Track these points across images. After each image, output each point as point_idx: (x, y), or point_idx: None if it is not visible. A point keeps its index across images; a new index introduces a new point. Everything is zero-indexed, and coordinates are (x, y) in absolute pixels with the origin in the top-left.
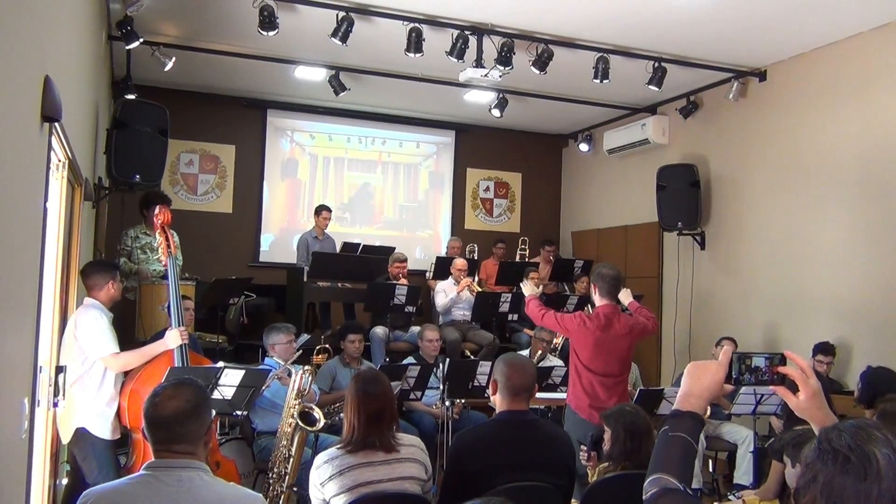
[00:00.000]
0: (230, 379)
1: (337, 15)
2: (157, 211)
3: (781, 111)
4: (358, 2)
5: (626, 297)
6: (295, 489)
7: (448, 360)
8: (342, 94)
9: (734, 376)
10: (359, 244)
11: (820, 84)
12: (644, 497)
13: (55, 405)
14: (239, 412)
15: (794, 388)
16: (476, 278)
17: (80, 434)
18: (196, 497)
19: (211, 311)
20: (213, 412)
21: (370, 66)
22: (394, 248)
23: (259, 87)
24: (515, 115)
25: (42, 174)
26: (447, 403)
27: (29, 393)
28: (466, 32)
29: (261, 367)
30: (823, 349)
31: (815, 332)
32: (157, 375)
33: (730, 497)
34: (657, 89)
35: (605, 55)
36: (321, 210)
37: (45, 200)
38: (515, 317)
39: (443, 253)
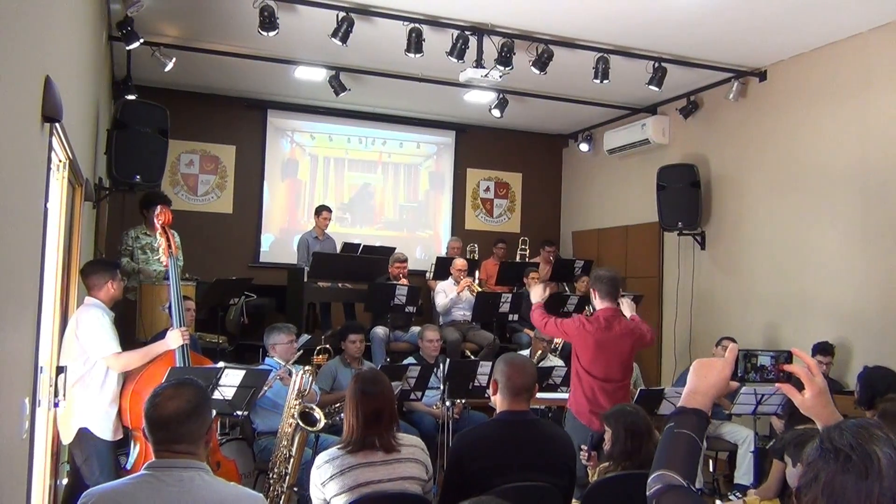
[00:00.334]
0: (230, 379)
1: (337, 15)
2: (158, 211)
3: (781, 111)
4: (358, 2)
5: (627, 309)
6: (295, 489)
7: (448, 360)
8: (342, 94)
9: (739, 374)
10: (359, 244)
11: (820, 84)
12: (648, 493)
13: (56, 405)
14: (239, 412)
15: (799, 387)
16: (476, 278)
17: (83, 434)
18: (197, 497)
19: (211, 311)
20: (214, 412)
21: (370, 67)
22: (394, 249)
23: (259, 87)
24: (515, 115)
25: (42, 174)
26: (447, 404)
27: (30, 393)
28: (466, 33)
29: (261, 367)
30: (822, 349)
31: (815, 333)
32: (159, 376)
33: (731, 497)
34: (657, 89)
35: (605, 55)
36: (321, 210)
37: (46, 201)
38: (516, 317)
39: (443, 253)
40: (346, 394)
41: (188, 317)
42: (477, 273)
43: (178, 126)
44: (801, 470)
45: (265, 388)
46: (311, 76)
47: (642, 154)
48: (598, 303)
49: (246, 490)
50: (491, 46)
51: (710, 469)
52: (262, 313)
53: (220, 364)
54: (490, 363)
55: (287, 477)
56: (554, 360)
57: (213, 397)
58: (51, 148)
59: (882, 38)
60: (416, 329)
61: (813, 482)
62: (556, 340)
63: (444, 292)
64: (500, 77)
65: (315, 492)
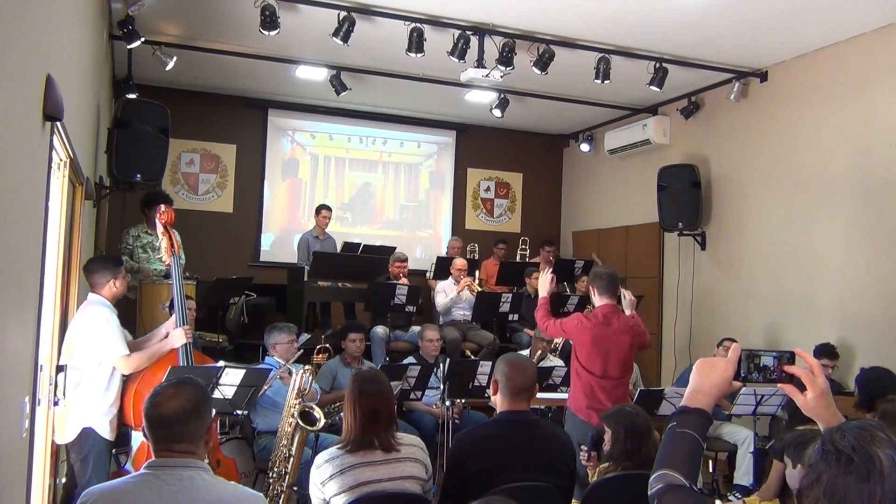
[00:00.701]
0: (231, 378)
1: (338, 15)
2: (162, 209)
3: (783, 112)
4: (359, 1)
5: (628, 306)
6: (295, 488)
7: (448, 359)
8: (343, 93)
9: (742, 375)
10: (359, 244)
11: (821, 85)
12: (649, 492)
13: (55, 404)
14: (239, 411)
15: (802, 387)
16: (476, 278)
17: (86, 434)
18: (197, 496)
19: (211, 310)
20: (213, 411)
21: (371, 66)
22: (394, 248)
23: (260, 86)
24: (516, 115)
25: (43, 173)
26: (447, 403)
27: (29, 392)
28: (468, 32)
29: (261, 366)
30: (826, 352)
31: (815, 333)
32: (161, 375)
33: (730, 498)
34: (658, 90)
35: (606, 55)
36: (321, 209)
37: (47, 199)
38: (516, 317)
39: (443, 253)
40: (346, 393)
41: (189, 316)
42: (477, 273)
43: (179, 125)
44: (803, 471)
45: (265, 386)
46: (312, 75)
47: (643, 154)
48: (597, 299)
49: (246, 489)
50: (492, 46)
51: (710, 469)
52: (262, 312)
53: (221, 363)
54: (490, 363)
55: (286, 476)
56: (554, 360)
57: (214, 396)
58: (51, 147)
59: (883, 39)
60: (416, 329)
61: (815, 484)
62: (556, 340)
63: (445, 292)
64: (501, 77)
65: (314, 491)
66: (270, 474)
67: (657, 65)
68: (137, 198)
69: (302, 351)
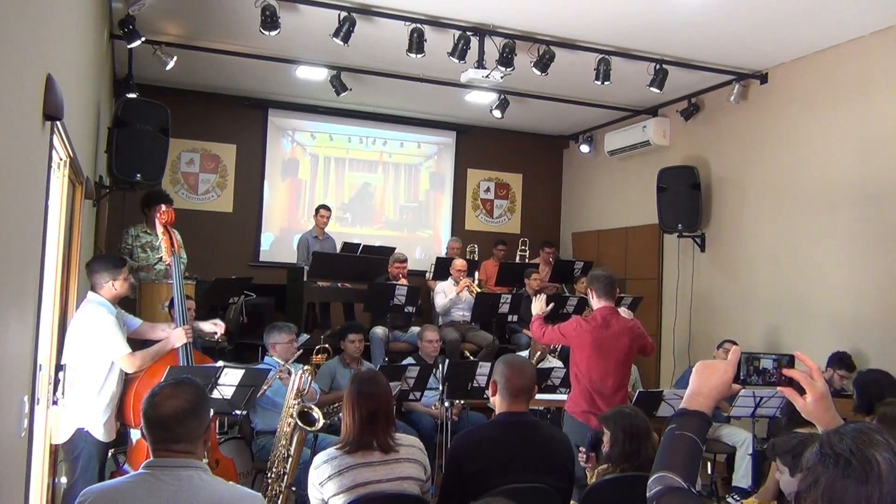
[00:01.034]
0: (230, 378)
1: (339, 15)
2: (162, 209)
3: (783, 114)
4: (360, 2)
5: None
6: (293, 489)
7: (447, 360)
8: (343, 94)
9: (742, 378)
10: (359, 244)
11: (821, 87)
12: (648, 494)
13: (55, 403)
14: (238, 411)
15: (801, 390)
16: (476, 279)
17: (79, 435)
18: (195, 496)
19: (211, 310)
20: (212, 411)
21: (371, 67)
22: (394, 249)
23: (260, 86)
24: (516, 116)
25: (43, 172)
26: (446, 404)
27: (29, 391)
28: (468, 33)
29: (260, 366)
30: (842, 363)
31: (815, 336)
32: (160, 375)
33: (729, 500)
34: (658, 91)
35: (606, 57)
36: (320, 209)
37: (46, 199)
38: (515, 318)
39: (443, 253)
40: (344, 394)
41: (189, 315)
42: (476, 274)
43: (179, 125)
44: (801, 474)
45: (265, 386)
46: (313, 76)
47: (643, 156)
48: (596, 302)
49: (244, 489)
50: (492, 47)
51: (709, 471)
52: (261, 312)
53: (220, 363)
54: (489, 364)
55: (285, 476)
56: (553, 362)
57: (213, 396)
58: (51, 146)
59: (883, 41)
60: (415, 329)
61: (813, 486)
62: None
63: (444, 293)
64: (502, 78)
65: (313, 491)
66: (269, 474)
67: (657, 66)
68: (137, 197)
69: (301, 351)
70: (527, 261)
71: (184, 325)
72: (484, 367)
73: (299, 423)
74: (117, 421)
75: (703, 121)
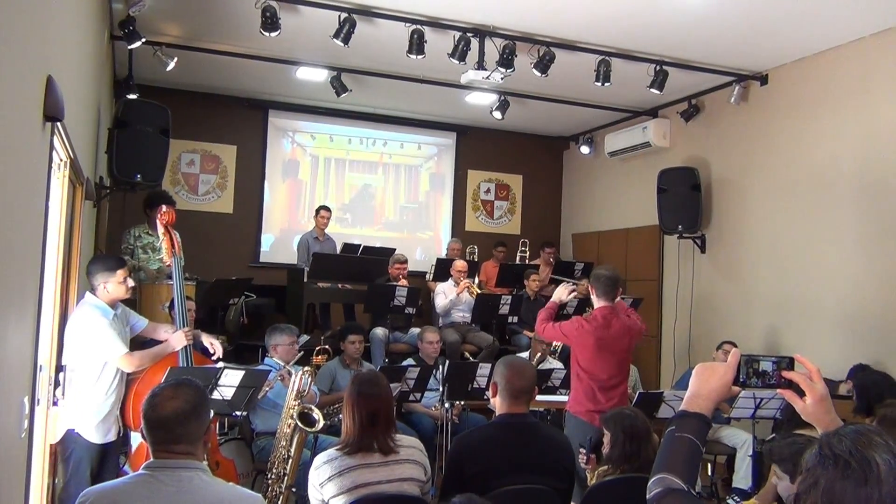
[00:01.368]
0: (230, 379)
1: (339, 16)
2: (163, 210)
3: (783, 115)
4: (360, 3)
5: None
6: (294, 490)
7: (448, 361)
8: (343, 95)
9: (741, 380)
10: (359, 245)
11: (821, 88)
12: (648, 496)
13: (55, 403)
14: (238, 413)
15: (801, 392)
16: (476, 280)
17: (68, 435)
18: (195, 497)
19: (211, 311)
20: (212, 412)
21: (372, 68)
22: (394, 250)
23: (260, 87)
24: (516, 117)
25: (43, 173)
26: (446, 405)
27: (29, 392)
28: (468, 34)
29: (260, 367)
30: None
31: (815, 337)
32: (160, 376)
33: (729, 501)
34: (658, 92)
35: (606, 58)
36: (320, 210)
37: (47, 200)
38: (515, 319)
39: (443, 254)
40: (345, 395)
41: (189, 317)
42: (476, 275)
43: (180, 125)
44: (801, 476)
45: (266, 388)
46: (313, 77)
47: (643, 157)
48: (597, 301)
49: (244, 490)
50: (492, 48)
51: (709, 473)
52: (261, 313)
53: (220, 364)
54: (489, 365)
55: (285, 477)
56: (553, 363)
57: (213, 397)
58: (52, 147)
59: (883, 42)
60: (415, 330)
61: (812, 488)
62: (555, 343)
63: (444, 294)
64: (502, 79)
65: (313, 493)
66: (269, 475)
67: (657, 67)
68: (138, 198)
69: (302, 352)
70: (527, 262)
71: (184, 327)
72: (484, 369)
73: (299, 424)
74: (118, 422)
75: (704, 122)
